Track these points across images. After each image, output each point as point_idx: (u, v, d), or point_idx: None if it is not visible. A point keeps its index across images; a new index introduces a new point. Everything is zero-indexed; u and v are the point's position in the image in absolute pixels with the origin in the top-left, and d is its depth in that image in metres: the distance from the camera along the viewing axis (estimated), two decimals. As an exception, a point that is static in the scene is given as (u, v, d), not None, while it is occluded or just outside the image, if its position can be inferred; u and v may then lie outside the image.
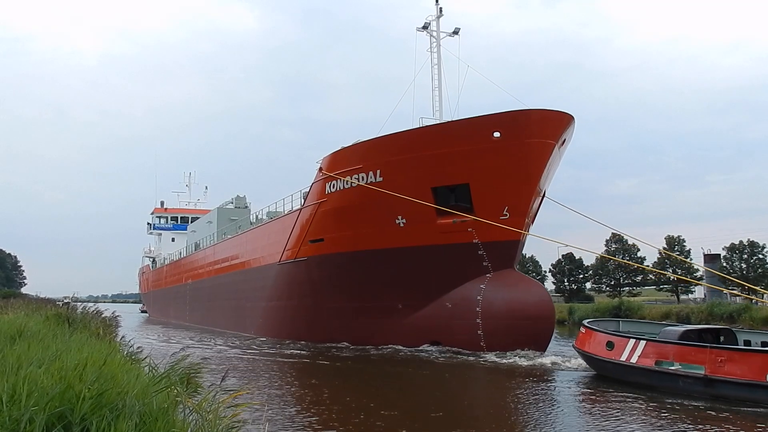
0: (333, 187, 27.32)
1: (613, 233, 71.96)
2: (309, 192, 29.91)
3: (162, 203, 77.54)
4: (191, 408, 5.54)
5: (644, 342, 15.36)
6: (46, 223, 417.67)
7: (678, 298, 69.20)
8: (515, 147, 22.91)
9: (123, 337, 16.26)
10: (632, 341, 15.65)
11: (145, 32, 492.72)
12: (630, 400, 13.62)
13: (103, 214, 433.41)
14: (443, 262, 24.32)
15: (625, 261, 61.86)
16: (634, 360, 15.23)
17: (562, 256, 78.45)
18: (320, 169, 28.47)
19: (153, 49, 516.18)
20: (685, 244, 69.74)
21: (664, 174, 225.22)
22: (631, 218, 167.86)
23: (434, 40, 29.80)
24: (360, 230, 26.28)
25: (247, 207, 52.03)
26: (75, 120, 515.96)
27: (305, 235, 29.33)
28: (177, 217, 75.05)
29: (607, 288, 75.83)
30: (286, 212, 34.46)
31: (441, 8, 29.89)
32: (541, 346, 22.74)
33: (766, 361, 12.72)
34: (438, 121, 27.70)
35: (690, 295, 71.34)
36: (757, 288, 40.06)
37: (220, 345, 29.10)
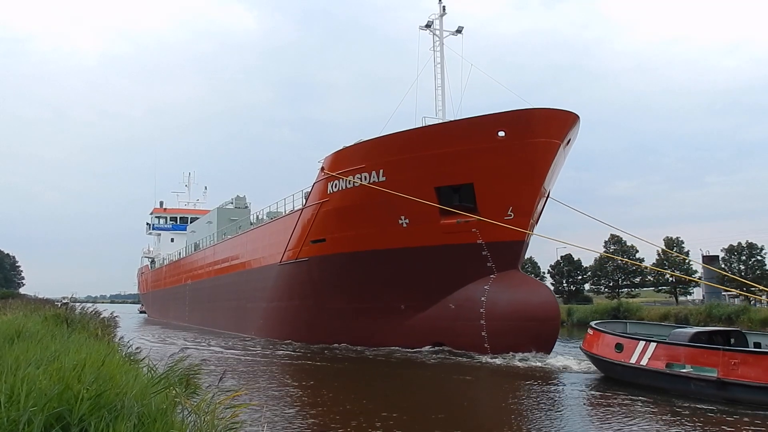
0: (335, 186, 27.04)
1: (612, 234, 72.05)
2: (310, 192, 29.63)
3: (161, 203, 77.34)
4: (190, 409, 5.59)
5: (654, 344, 15.07)
6: (45, 224, 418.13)
7: (676, 299, 69.09)
8: (520, 146, 22.65)
9: (122, 337, 16.16)
10: (642, 343, 15.36)
11: (144, 32, 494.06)
12: (641, 403, 13.32)
13: (102, 215, 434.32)
14: (447, 263, 24.03)
15: (626, 260, 61.68)
16: (644, 362, 14.94)
17: (561, 257, 78.53)
18: (322, 168, 28.19)
19: (152, 50, 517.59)
20: (683, 245, 69.60)
21: (662, 175, 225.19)
22: (630, 219, 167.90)
23: (437, 38, 29.57)
24: (362, 230, 25.99)
25: (247, 207, 51.73)
26: (74, 120, 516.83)
27: (307, 235, 29.04)
28: (176, 218, 74.89)
29: (606, 289, 75.73)
30: (286, 212, 34.18)
31: (444, 6, 29.68)
32: (547, 348, 22.41)
33: None
34: (441, 121, 27.44)
35: (688, 297, 71.34)
36: (758, 286, 39.87)
37: (219, 346, 28.86)
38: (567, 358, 20.60)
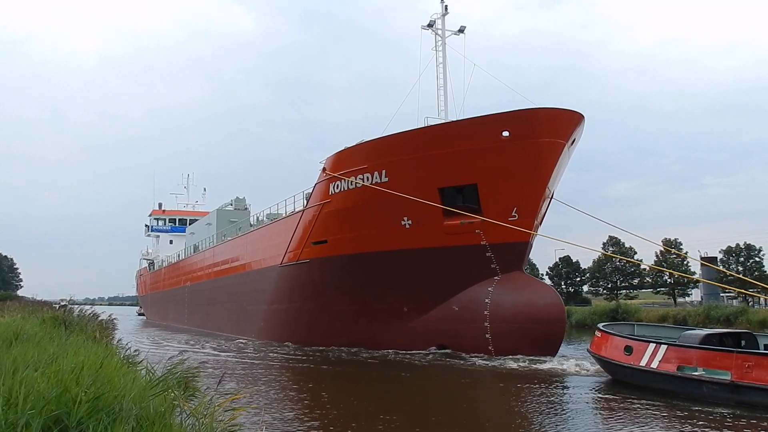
0: (337, 187, 26.75)
1: (610, 236, 71.99)
2: (312, 193, 29.35)
3: (160, 205, 76.95)
4: (188, 412, 5.58)
5: (665, 346, 14.77)
6: (44, 225, 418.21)
7: (675, 300, 68.89)
8: (524, 146, 22.40)
9: (120, 340, 15.94)
10: (652, 345, 15.06)
11: (143, 33, 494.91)
12: (652, 407, 13.00)
13: (100, 216, 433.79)
14: (450, 264, 23.75)
15: (626, 259, 61.51)
16: (654, 365, 14.63)
17: (559, 258, 78.39)
18: (324, 169, 27.92)
19: (152, 51, 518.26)
20: (681, 246, 69.39)
21: (661, 176, 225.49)
22: (629, 220, 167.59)
23: (439, 38, 29.36)
24: (365, 232, 25.71)
25: (246, 209, 51.41)
26: (73, 121, 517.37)
27: (308, 236, 28.75)
28: (175, 219, 74.54)
29: (604, 291, 75.55)
30: (287, 214, 33.88)
31: (446, 6, 29.45)
32: (552, 350, 22.11)
33: None
34: (444, 121, 27.18)
35: (687, 298, 71.18)
36: (759, 284, 39.67)
37: (218, 348, 28.56)
38: (572, 360, 20.30)
